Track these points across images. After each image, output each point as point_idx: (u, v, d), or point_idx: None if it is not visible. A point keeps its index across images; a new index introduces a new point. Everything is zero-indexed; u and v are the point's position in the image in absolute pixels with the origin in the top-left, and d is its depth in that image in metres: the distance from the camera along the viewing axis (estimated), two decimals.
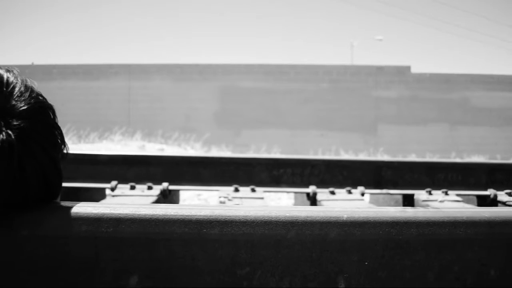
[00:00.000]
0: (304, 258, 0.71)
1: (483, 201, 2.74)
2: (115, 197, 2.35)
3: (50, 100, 0.77)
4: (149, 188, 2.49)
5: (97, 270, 0.70)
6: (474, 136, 14.93)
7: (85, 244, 0.69)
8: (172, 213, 0.67)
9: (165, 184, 2.49)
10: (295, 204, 3.14)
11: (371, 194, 2.69)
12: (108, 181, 2.57)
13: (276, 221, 0.67)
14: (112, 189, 2.50)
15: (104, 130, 12.44)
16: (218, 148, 11.71)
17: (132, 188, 2.49)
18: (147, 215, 0.67)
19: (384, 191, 2.65)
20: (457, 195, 2.65)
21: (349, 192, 2.54)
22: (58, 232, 0.69)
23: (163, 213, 0.67)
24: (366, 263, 0.73)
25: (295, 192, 2.66)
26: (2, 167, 0.63)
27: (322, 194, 2.50)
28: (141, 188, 2.49)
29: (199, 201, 4.46)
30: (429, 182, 2.72)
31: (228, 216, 0.67)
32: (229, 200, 2.30)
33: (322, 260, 0.71)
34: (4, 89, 0.68)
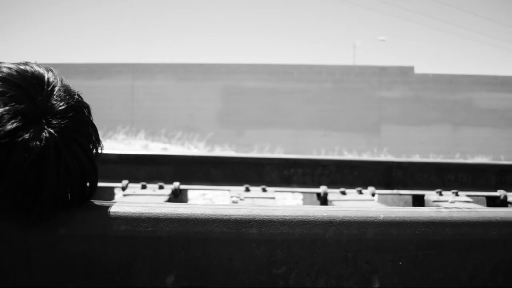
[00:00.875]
0: (339, 257, 0.71)
1: (493, 202, 2.74)
2: (127, 197, 2.35)
3: None
4: (160, 187, 2.49)
5: (133, 270, 0.70)
6: (477, 137, 14.91)
7: (123, 243, 0.69)
8: (211, 213, 0.68)
9: (176, 184, 2.50)
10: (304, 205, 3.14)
11: (382, 194, 2.70)
12: (119, 180, 2.57)
13: (314, 220, 0.68)
14: (123, 188, 2.50)
15: (107, 129, 12.45)
16: (221, 148, 11.71)
17: (143, 187, 2.49)
18: (186, 214, 0.68)
19: (395, 191, 2.66)
20: (467, 196, 2.65)
21: (360, 192, 2.54)
22: (96, 231, 0.69)
23: (202, 212, 0.68)
24: (400, 263, 0.73)
25: (306, 192, 2.66)
26: (47, 165, 0.64)
27: (333, 194, 2.50)
28: (152, 188, 2.49)
29: (204, 201, 4.46)
30: (439, 182, 2.72)
31: (266, 216, 0.67)
32: (241, 199, 2.30)
33: (357, 259, 0.71)
34: (45, 87, 0.68)
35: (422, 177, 2.69)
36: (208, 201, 4.48)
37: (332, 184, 2.60)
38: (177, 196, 2.53)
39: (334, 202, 2.41)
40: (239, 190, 2.51)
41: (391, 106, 14.99)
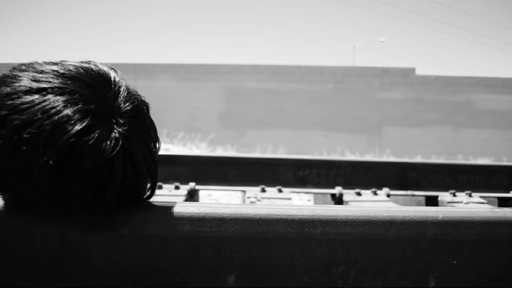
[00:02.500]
0: (397, 257, 0.72)
1: (505, 203, 2.76)
2: None
3: None
4: (176, 188, 2.51)
5: (194, 270, 0.71)
6: (478, 139, 14.95)
7: (186, 243, 0.69)
8: (275, 213, 0.69)
9: (192, 184, 2.51)
10: None
11: (396, 195, 2.71)
12: None
13: (376, 220, 0.69)
14: None
15: None
16: (223, 148, 11.70)
17: (159, 187, 2.50)
18: (250, 214, 0.69)
19: (409, 192, 2.67)
20: (480, 197, 2.67)
21: (375, 193, 2.56)
22: (159, 232, 0.69)
23: (266, 212, 0.69)
24: (455, 262, 0.74)
25: (322, 193, 2.67)
26: (115, 165, 0.64)
27: (348, 195, 2.52)
28: (168, 188, 2.50)
29: (210, 201, 4.47)
30: (452, 183, 2.74)
31: (330, 216, 0.69)
32: (258, 200, 2.31)
33: (414, 259, 0.73)
34: (112, 86, 0.69)
35: (435, 178, 2.71)
36: (213, 201, 4.49)
37: (346, 185, 2.61)
38: (193, 197, 2.54)
39: (350, 203, 2.42)
40: (254, 190, 2.52)
41: (392, 107, 15.01)
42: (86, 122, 0.62)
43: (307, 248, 0.70)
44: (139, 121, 0.69)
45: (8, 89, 0.65)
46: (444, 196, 2.59)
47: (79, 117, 0.62)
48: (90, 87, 0.66)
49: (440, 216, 0.71)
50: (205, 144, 11.60)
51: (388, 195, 2.55)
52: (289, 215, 0.68)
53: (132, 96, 0.71)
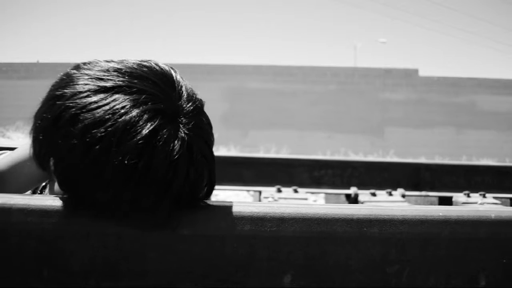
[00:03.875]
0: (450, 256, 0.73)
1: None
2: None
3: None
4: None
5: (251, 269, 0.71)
6: (481, 140, 14.97)
7: (244, 243, 0.70)
8: (334, 212, 0.70)
9: None
10: None
11: (410, 196, 2.73)
12: None
13: (432, 219, 0.70)
14: None
15: None
16: (227, 149, 11.70)
17: None
18: (310, 214, 0.70)
19: (423, 193, 2.69)
20: (494, 197, 2.69)
21: (390, 194, 2.57)
22: (220, 232, 0.69)
23: (325, 212, 0.70)
24: (504, 261, 0.76)
25: (338, 194, 2.70)
26: (180, 165, 0.64)
27: (364, 195, 2.54)
28: None
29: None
30: (466, 184, 2.76)
31: (387, 215, 0.70)
32: (275, 200, 2.33)
33: (466, 258, 0.74)
34: (176, 86, 0.69)
35: (449, 179, 2.73)
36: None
37: (361, 185, 2.63)
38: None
39: (365, 203, 2.44)
40: (270, 190, 2.54)
41: (395, 108, 15.04)
42: (157, 121, 0.63)
43: (363, 247, 0.71)
44: (200, 120, 0.70)
45: (77, 87, 0.65)
46: (458, 197, 2.61)
47: (149, 116, 0.62)
48: (157, 86, 0.66)
49: (493, 215, 0.73)
50: None
51: (403, 196, 2.57)
52: (348, 215, 0.70)
53: (193, 96, 0.71)
